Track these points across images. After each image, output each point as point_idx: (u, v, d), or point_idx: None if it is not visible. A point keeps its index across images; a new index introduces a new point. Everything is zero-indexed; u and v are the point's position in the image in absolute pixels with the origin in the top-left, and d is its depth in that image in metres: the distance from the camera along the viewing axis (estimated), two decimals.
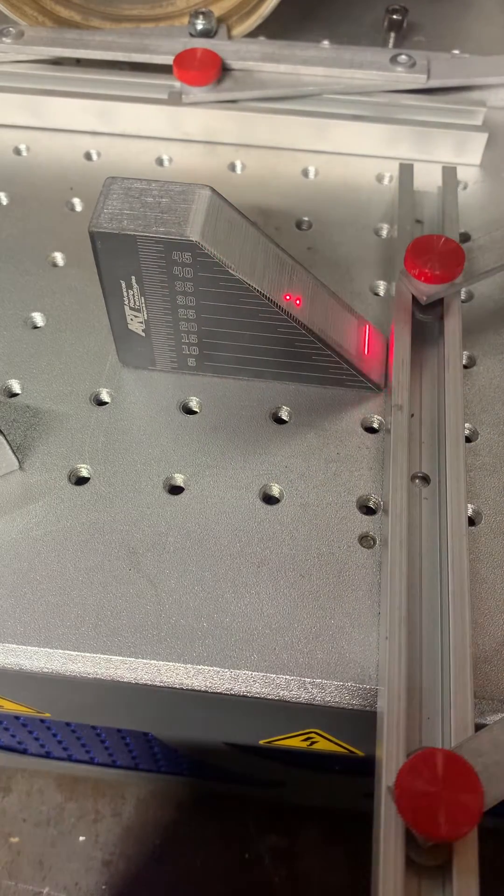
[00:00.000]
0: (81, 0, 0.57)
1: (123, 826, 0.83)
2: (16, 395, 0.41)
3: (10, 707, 0.46)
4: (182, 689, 0.33)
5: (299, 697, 0.33)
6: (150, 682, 0.33)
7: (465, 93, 0.53)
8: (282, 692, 0.33)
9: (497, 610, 0.34)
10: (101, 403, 0.41)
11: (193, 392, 0.41)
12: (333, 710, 0.33)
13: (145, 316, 0.38)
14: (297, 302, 0.37)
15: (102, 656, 0.33)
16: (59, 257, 0.47)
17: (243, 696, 0.33)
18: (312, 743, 0.44)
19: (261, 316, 0.37)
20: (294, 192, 0.51)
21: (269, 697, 0.33)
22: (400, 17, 0.58)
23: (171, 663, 0.33)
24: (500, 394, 0.41)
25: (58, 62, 0.55)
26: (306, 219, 0.49)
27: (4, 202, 0.50)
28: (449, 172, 0.48)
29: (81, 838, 0.83)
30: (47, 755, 0.72)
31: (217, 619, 0.34)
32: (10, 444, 0.37)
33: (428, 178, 0.49)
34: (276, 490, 0.38)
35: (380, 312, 0.44)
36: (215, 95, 0.52)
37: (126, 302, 0.37)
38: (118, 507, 0.37)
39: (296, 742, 0.44)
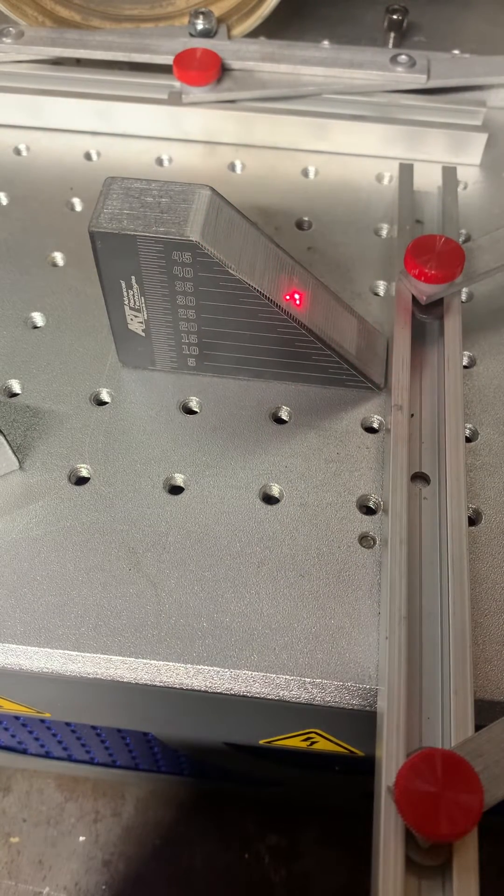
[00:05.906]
0: (81, 0, 0.57)
1: (123, 826, 0.83)
2: (16, 395, 0.41)
3: (10, 707, 0.46)
4: (182, 689, 0.33)
5: (299, 697, 0.33)
6: (150, 682, 0.33)
7: (465, 93, 0.53)
8: (282, 692, 0.33)
9: (497, 610, 0.34)
10: (101, 403, 0.41)
11: (193, 392, 0.41)
12: (333, 710, 0.33)
13: (145, 316, 0.38)
14: (297, 302, 0.37)
15: (102, 656, 0.33)
16: (59, 257, 0.47)
17: (243, 696, 0.33)
18: (312, 743, 0.44)
19: (261, 316, 0.37)
20: (294, 191, 0.51)
21: (269, 697, 0.33)
22: (400, 17, 0.58)
23: (171, 663, 0.33)
24: (500, 394, 0.41)
25: (58, 62, 0.55)
26: (306, 219, 0.49)
27: (4, 202, 0.50)
28: (449, 172, 0.48)
29: (81, 838, 0.82)
30: (47, 755, 0.72)
31: (217, 619, 0.34)
32: (10, 444, 0.37)
33: (428, 178, 0.49)
34: (276, 490, 0.38)
35: (380, 312, 0.44)
36: (215, 95, 0.52)
37: (126, 302, 0.37)
38: (118, 507, 0.37)
39: (296, 742, 0.44)
